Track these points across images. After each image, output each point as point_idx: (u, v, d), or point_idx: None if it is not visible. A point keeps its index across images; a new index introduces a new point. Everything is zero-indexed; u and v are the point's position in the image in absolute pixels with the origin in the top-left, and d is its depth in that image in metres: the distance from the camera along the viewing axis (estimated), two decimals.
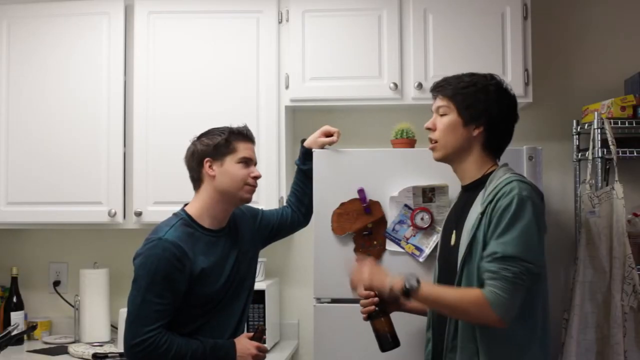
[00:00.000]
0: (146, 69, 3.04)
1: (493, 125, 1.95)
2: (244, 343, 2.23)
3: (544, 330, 1.89)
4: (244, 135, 2.27)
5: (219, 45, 3.02)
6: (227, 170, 2.22)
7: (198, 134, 2.30)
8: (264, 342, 2.30)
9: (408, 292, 1.88)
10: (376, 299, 2.09)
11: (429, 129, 2.03)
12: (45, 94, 3.08)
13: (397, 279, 1.92)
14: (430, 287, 1.93)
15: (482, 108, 1.94)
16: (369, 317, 2.09)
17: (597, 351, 2.71)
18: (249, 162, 2.26)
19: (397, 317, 2.14)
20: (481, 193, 1.92)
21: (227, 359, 2.19)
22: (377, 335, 2.10)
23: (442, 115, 1.99)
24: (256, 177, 2.27)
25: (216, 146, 2.22)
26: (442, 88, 2.01)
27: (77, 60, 3.07)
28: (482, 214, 1.86)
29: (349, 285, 2.06)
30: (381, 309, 2.10)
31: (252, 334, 2.28)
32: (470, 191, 1.98)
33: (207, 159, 2.22)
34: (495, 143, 1.98)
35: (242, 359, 2.20)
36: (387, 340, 2.08)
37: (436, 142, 2.00)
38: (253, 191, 2.28)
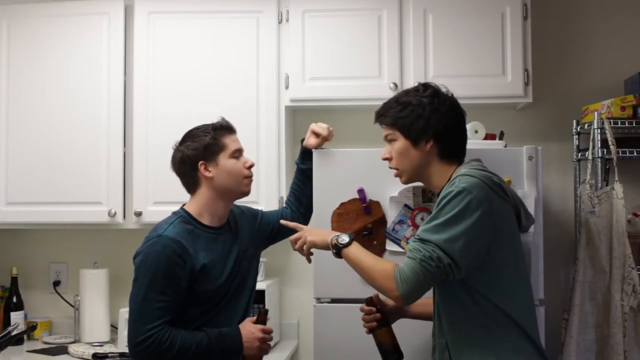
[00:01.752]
0: (146, 69, 3.04)
1: (440, 134, 1.97)
2: (248, 328, 2.21)
3: (522, 319, 1.89)
4: (226, 128, 2.27)
5: (219, 45, 3.02)
6: (224, 168, 2.22)
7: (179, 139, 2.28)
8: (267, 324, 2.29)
9: (338, 248, 2.00)
10: (378, 314, 2.11)
11: (386, 159, 2.06)
12: (45, 94, 3.09)
13: (334, 234, 2.03)
14: (356, 248, 2.00)
15: (423, 124, 1.97)
16: (371, 330, 2.11)
17: (597, 351, 2.71)
18: (240, 153, 2.27)
19: (403, 326, 2.17)
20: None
21: (234, 345, 2.18)
22: (379, 347, 2.12)
23: (391, 142, 2.03)
24: (250, 166, 2.28)
25: (206, 147, 2.21)
26: (382, 118, 2.06)
27: (77, 60, 3.08)
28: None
29: (290, 245, 2.15)
30: (384, 320, 2.11)
31: (255, 317, 2.26)
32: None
33: (200, 162, 2.20)
34: (449, 148, 2.00)
35: (249, 343, 2.19)
36: (390, 352, 2.10)
37: (397, 169, 2.05)
38: (251, 182, 2.29)
